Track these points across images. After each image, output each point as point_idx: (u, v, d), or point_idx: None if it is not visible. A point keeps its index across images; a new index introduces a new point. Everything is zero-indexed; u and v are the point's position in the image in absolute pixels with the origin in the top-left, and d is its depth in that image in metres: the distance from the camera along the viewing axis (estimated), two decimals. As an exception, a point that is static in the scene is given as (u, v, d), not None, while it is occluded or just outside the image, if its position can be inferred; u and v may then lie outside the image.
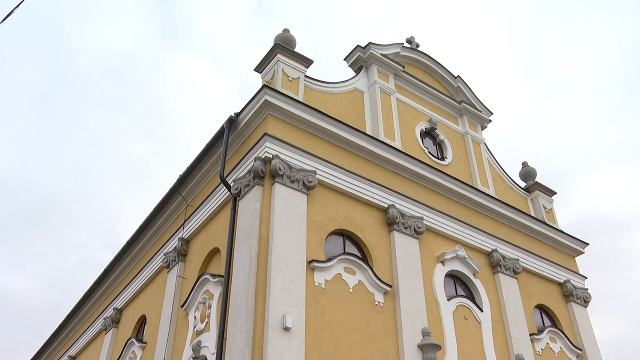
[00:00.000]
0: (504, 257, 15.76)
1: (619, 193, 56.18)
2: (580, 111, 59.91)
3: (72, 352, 22.33)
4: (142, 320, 16.91)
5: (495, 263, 15.49)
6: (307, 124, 13.48)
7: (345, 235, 13.05)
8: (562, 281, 17.32)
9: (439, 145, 17.42)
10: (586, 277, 18.22)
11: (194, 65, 70.16)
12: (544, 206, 18.72)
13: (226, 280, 11.72)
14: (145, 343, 15.68)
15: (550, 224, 18.17)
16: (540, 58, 60.56)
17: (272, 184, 12.21)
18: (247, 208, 12.17)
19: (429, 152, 16.56)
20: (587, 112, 59.55)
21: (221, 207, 13.74)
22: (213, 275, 12.73)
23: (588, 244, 18.73)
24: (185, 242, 14.97)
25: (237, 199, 12.73)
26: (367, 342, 11.71)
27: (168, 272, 15.38)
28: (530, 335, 15.10)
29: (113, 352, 17.98)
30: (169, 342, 13.77)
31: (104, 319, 19.43)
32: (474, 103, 19.30)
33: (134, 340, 16.31)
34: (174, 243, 15.36)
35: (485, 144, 18.86)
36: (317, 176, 12.80)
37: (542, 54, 60.14)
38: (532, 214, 18.34)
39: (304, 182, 12.46)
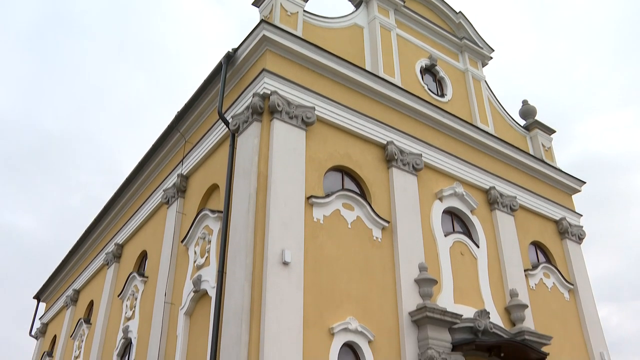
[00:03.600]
0: (501, 195, 15.86)
1: (620, 135, 56.12)
2: (585, 53, 59.04)
3: (77, 285, 22.77)
4: (143, 256, 17.17)
5: (492, 200, 15.60)
6: (306, 59, 13.29)
7: (344, 171, 13.09)
8: (558, 219, 17.50)
9: (439, 82, 17.24)
10: (582, 215, 18.41)
11: (194, 2, 68.60)
12: (542, 144, 18.70)
13: (225, 216, 11.83)
14: (147, 277, 15.97)
15: (548, 162, 18.21)
16: (545, -4, 59.22)
17: (270, 120, 12.14)
18: (245, 144, 12.15)
19: (429, 89, 16.40)
20: (592, 54, 58.72)
21: (220, 144, 13.72)
22: (212, 211, 12.84)
23: (585, 183, 18.83)
24: (184, 178, 15.02)
25: (236, 135, 12.69)
26: (365, 277, 11.93)
27: (167, 208, 15.51)
28: (524, 271, 15.38)
29: (116, 286, 18.34)
30: (170, 277, 14.02)
31: (105, 254, 19.72)
32: (475, 40, 18.97)
33: (135, 274, 16.61)
34: (173, 179, 15.42)
35: (485, 81, 18.67)
36: (316, 112, 12.72)
37: (547, -9, 58.78)
38: (531, 152, 18.35)
39: (302, 119, 12.39)
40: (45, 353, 24.48)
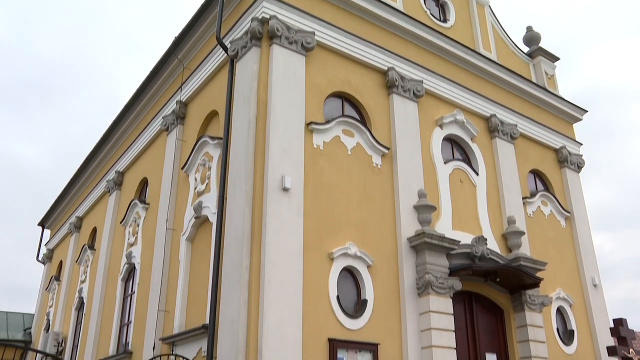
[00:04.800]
0: (502, 122, 15.78)
1: (624, 64, 55.31)
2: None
3: (80, 213, 23.04)
4: (144, 183, 17.27)
5: (493, 128, 15.54)
6: (306, -18, 12.88)
7: (344, 97, 12.95)
8: (558, 147, 17.49)
9: (442, 7, 16.79)
10: (581, 144, 18.40)
11: None
12: (545, 72, 18.44)
13: (225, 143, 11.81)
14: (148, 204, 16.12)
15: (550, 90, 18.01)
16: None
17: (269, 46, 11.90)
18: (244, 70, 11.98)
19: (431, 14, 16.00)
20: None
21: (218, 70, 13.52)
22: (212, 138, 12.81)
23: (587, 111, 18.71)
24: (183, 105, 14.90)
25: (235, 61, 12.48)
26: (364, 203, 12.03)
27: (167, 135, 15.46)
28: (522, 198, 15.50)
29: (118, 213, 18.55)
30: (171, 203, 14.14)
31: (106, 181, 19.83)
32: (481, -38, 18.34)
33: (137, 201, 16.76)
34: (172, 106, 15.31)
35: (489, 6, 18.19)
36: (316, 37, 12.46)
37: None
38: (534, 80, 18.11)
39: (302, 44, 12.15)
40: (53, 277, 25.07)
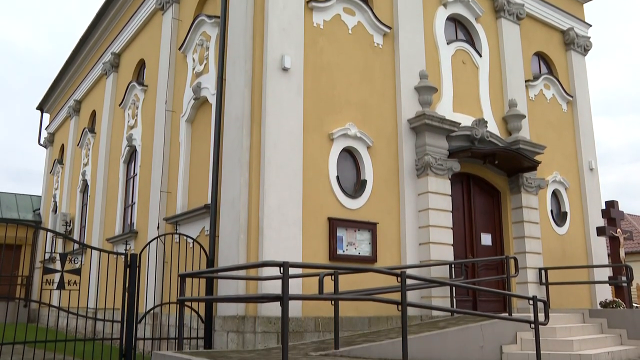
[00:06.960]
0: (508, 2, 15.21)
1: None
2: None
3: (77, 96, 22.85)
4: (141, 64, 16.97)
5: (499, 7, 15.01)
6: None
7: (345, -26, 12.42)
8: (565, 29, 17.00)
9: None
10: (590, 25, 17.86)
11: None
12: (558, -53, 17.55)
13: (223, 22, 11.47)
14: (147, 86, 15.93)
15: (562, -34, 17.24)
16: None
17: None
18: (241, -57, 11.38)
19: None
20: None
21: (214, -57, 12.87)
22: (209, 17, 12.42)
23: (598, -10, 18.02)
24: (179, -19, 14.33)
25: None
26: (365, 83, 11.89)
27: (163, 14, 14.96)
28: (525, 81, 15.30)
29: (116, 96, 18.40)
30: (170, 85, 13.95)
31: (103, 63, 19.48)
32: None
33: (135, 83, 16.56)
34: (167, -17, 14.72)
35: None
36: None
37: None
38: (544, -44, 17.26)
39: None
40: (56, 160, 25.35)
